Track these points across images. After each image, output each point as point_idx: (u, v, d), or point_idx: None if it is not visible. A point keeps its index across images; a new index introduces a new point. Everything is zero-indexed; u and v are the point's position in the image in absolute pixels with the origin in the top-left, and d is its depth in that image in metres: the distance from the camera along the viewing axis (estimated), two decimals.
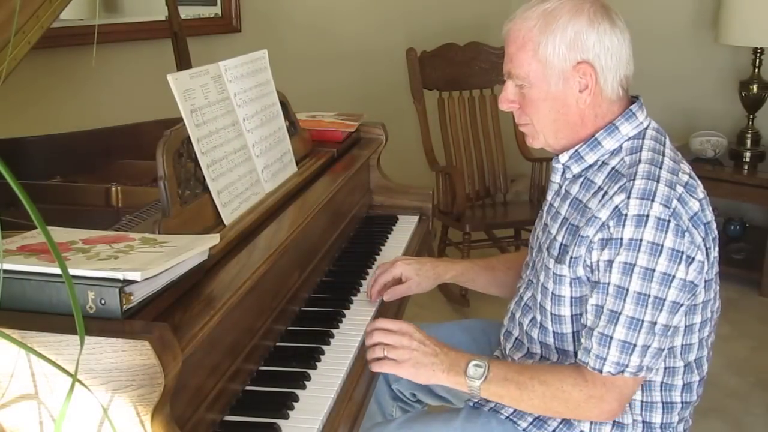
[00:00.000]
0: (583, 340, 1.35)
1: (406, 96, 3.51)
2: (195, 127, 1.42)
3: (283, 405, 1.28)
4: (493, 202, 3.59)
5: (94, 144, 1.97)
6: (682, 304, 1.30)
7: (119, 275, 1.03)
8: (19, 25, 1.52)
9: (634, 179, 1.31)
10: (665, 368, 1.40)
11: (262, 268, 1.35)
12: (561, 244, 1.39)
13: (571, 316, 1.40)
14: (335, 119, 2.17)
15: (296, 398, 1.32)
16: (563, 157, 1.43)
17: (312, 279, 1.69)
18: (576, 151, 1.41)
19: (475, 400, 1.52)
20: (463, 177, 3.44)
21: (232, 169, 1.52)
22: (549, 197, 1.50)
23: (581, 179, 1.42)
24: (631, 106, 1.41)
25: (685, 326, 1.38)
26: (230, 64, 1.62)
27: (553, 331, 1.43)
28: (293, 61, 3.31)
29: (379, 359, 1.40)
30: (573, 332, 1.41)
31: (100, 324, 1.01)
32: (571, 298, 1.39)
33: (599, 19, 1.34)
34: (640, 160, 1.34)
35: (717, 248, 1.37)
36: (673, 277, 1.27)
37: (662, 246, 1.26)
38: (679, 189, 1.30)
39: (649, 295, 1.27)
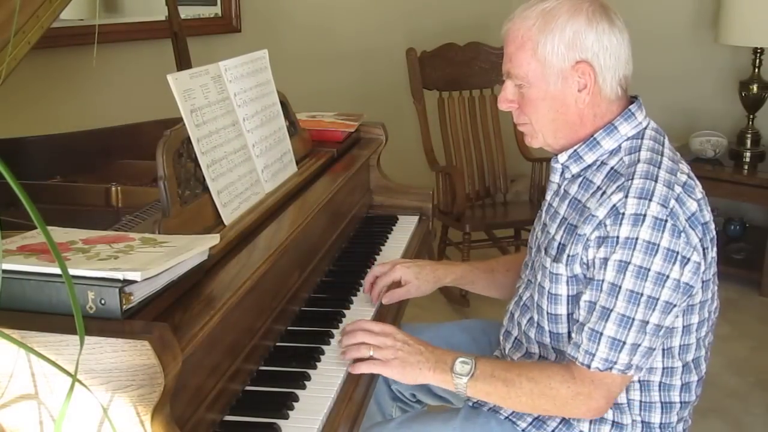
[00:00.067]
0: (573, 335, 1.35)
1: (406, 96, 3.51)
2: (195, 127, 1.42)
3: (283, 405, 1.28)
4: (493, 202, 3.59)
5: (94, 144, 1.97)
6: (675, 305, 1.30)
7: (119, 275, 1.03)
8: (19, 25, 1.52)
9: (632, 179, 1.31)
10: (663, 368, 1.40)
11: (262, 268, 1.35)
12: (559, 243, 1.40)
13: (568, 315, 1.40)
14: (335, 119, 2.17)
15: (296, 398, 1.32)
16: (562, 157, 1.44)
17: (312, 279, 1.69)
18: (575, 151, 1.41)
19: (474, 400, 1.52)
20: (463, 177, 3.44)
21: (232, 169, 1.52)
22: (548, 197, 1.50)
23: (580, 179, 1.42)
24: (630, 106, 1.41)
25: (683, 326, 1.38)
26: (230, 64, 1.62)
27: (550, 331, 1.43)
28: (293, 61, 3.31)
29: (363, 360, 1.39)
30: (569, 332, 1.41)
31: (100, 324, 1.01)
32: (568, 296, 1.39)
33: (598, 19, 1.34)
34: (638, 160, 1.34)
35: (715, 249, 1.37)
36: (668, 277, 1.27)
37: (658, 245, 1.26)
38: (677, 189, 1.31)
39: (642, 294, 1.27)
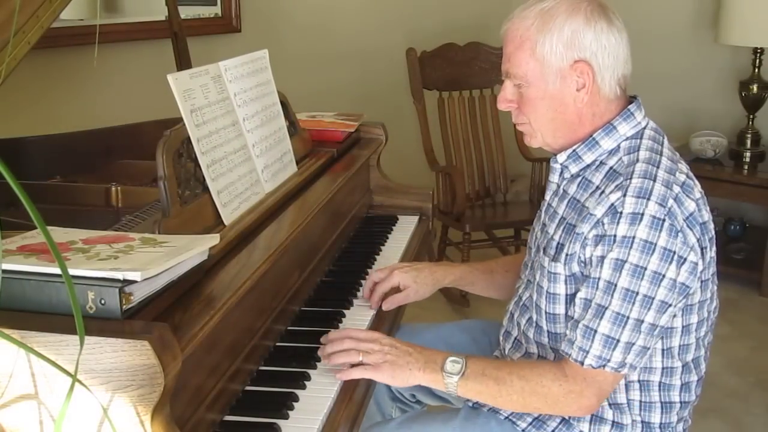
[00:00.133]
0: (567, 332, 1.35)
1: (406, 96, 3.51)
2: (195, 127, 1.42)
3: (283, 405, 1.28)
4: (493, 202, 3.59)
5: (94, 144, 1.97)
6: (670, 305, 1.30)
7: (119, 275, 1.03)
8: (19, 25, 1.52)
9: (631, 178, 1.31)
10: (663, 368, 1.40)
11: (262, 268, 1.36)
12: (558, 243, 1.40)
13: (566, 314, 1.40)
14: (335, 119, 2.17)
15: (296, 398, 1.32)
16: (561, 157, 1.44)
17: (312, 279, 1.69)
18: (574, 150, 1.41)
19: (475, 401, 1.52)
20: (463, 177, 3.44)
21: (232, 169, 1.52)
22: (547, 197, 1.50)
23: (579, 179, 1.42)
24: (629, 106, 1.41)
25: (682, 326, 1.38)
26: (230, 64, 1.62)
27: (548, 331, 1.43)
28: (293, 61, 3.31)
29: (353, 366, 1.38)
30: None
31: (100, 324, 1.01)
32: (566, 296, 1.39)
33: (596, 18, 1.34)
34: (637, 160, 1.34)
35: (714, 248, 1.37)
36: (664, 276, 1.27)
37: (655, 245, 1.27)
38: (676, 189, 1.31)
39: (637, 293, 1.28)
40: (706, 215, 1.35)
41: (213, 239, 1.25)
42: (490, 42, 3.55)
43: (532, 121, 1.42)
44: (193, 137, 1.41)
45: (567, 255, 1.36)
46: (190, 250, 1.16)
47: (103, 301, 1.02)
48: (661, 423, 1.43)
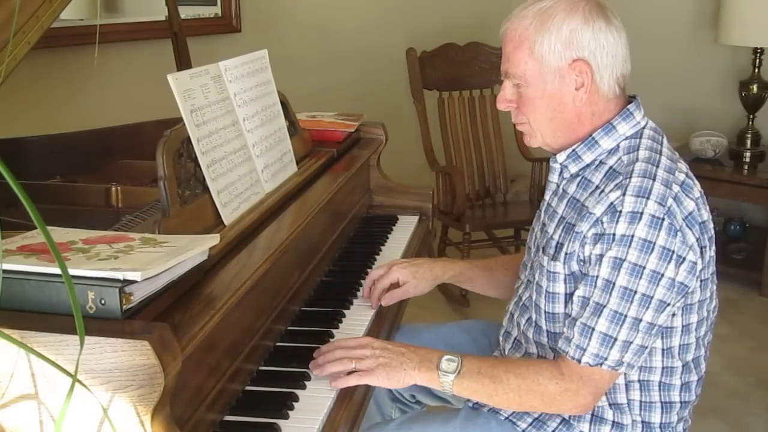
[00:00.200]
0: (565, 330, 1.35)
1: (406, 96, 3.51)
2: (195, 127, 1.42)
3: (283, 405, 1.28)
4: (493, 202, 3.59)
5: (94, 144, 1.97)
6: (669, 304, 1.30)
7: (119, 275, 1.03)
8: (19, 25, 1.52)
9: (630, 177, 1.31)
10: (663, 368, 1.40)
11: (262, 268, 1.36)
12: (557, 242, 1.40)
13: (565, 314, 1.40)
14: (335, 119, 2.17)
15: (296, 398, 1.32)
16: (561, 157, 1.44)
17: (312, 279, 1.69)
18: (573, 150, 1.42)
19: (475, 401, 1.52)
20: (463, 177, 3.44)
21: (232, 169, 1.52)
22: (547, 197, 1.50)
23: (579, 178, 1.42)
24: (629, 106, 1.42)
25: (682, 326, 1.38)
26: (230, 64, 1.62)
27: (547, 330, 1.43)
28: (293, 61, 3.31)
29: (348, 374, 1.37)
30: None
31: (100, 324, 1.01)
32: (565, 295, 1.39)
33: (594, 17, 1.34)
34: (637, 159, 1.35)
35: (713, 248, 1.38)
36: (662, 275, 1.28)
37: (654, 244, 1.27)
38: (675, 188, 1.31)
39: (635, 291, 1.28)
40: (706, 214, 1.35)
41: (213, 239, 1.25)
42: (490, 42, 3.55)
43: (531, 121, 1.42)
44: (193, 137, 1.41)
45: (566, 254, 1.36)
46: (190, 250, 1.16)
47: (103, 301, 1.02)
48: (661, 423, 1.43)
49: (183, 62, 2.18)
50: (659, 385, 1.41)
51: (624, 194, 1.29)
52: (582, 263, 1.35)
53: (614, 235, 1.28)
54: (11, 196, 1.07)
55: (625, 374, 1.39)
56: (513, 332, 1.55)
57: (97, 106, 2.62)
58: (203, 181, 1.43)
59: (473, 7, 4.20)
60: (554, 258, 1.39)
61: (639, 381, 1.40)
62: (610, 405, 1.42)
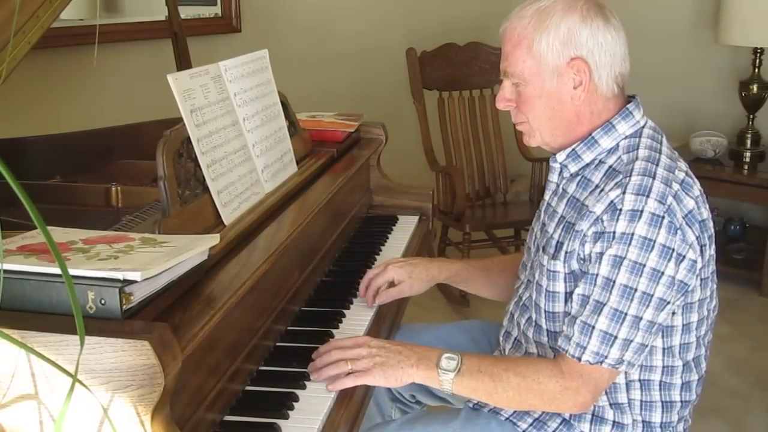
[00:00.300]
0: (564, 328, 1.35)
1: (406, 96, 3.51)
2: (195, 127, 1.42)
3: (283, 405, 1.28)
4: (493, 202, 3.59)
5: (94, 144, 1.97)
6: (669, 302, 1.30)
7: (119, 275, 1.03)
8: (19, 25, 1.52)
9: (630, 175, 1.31)
10: (663, 367, 1.40)
11: (262, 268, 1.36)
12: (557, 241, 1.40)
13: (565, 313, 1.40)
14: (335, 119, 2.17)
15: (296, 398, 1.32)
16: (560, 156, 1.44)
17: (312, 279, 1.69)
18: (573, 149, 1.42)
19: (475, 401, 1.52)
20: (463, 177, 3.44)
21: (232, 169, 1.52)
22: (546, 197, 1.50)
23: (578, 178, 1.42)
24: (628, 105, 1.42)
25: (683, 325, 1.38)
26: (230, 64, 1.62)
27: (547, 330, 1.44)
28: (293, 61, 3.31)
29: (347, 375, 1.37)
30: None
31: (100, 324, 1.01)
32: (565, 294, 1.39)
33: (592, 16, 1.35)
34: (637, 158, 1.35)
35: (713, 246, 1.38)
36: (662, 273, 1.28)
37: (654, 242, 1.27)
38: (675, 186, 1.31)
39: (636, 290, 1.28)
40: (705, 213, 1.35)
41: (213, 239, 1.25)
42: (490, 42, 3.55)
43: (530, 120, 1.42)
44: (193, 137, 1.41)
45: (566, 253, 1.36)
46: (190, 250, 1.16)
47: (103, 301, 1.02)
48: (661, 422, 1.43)
49: (183, 62, 2.18)
50: (660, 385, 1.41)
51: (624, 192, 1.29)
52: (582, 262, 1.35)
53: (614, 233, 1.28)
54: (11, 196, 1.07)
55: (625, 374, 1.39)
56: (513, 332, 1.55)
57: (97, 106, 2.62)
58: (203, 181, 1.43)
59: (473, 7, 4.20)
60: (554, 257, 1.39)
61: (640, 380, 1.40)
62: (610, 405, 1.42)
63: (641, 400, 1.41)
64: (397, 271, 1.68)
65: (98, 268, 1.05)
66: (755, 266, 3.53)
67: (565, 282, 1.38)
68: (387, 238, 2.04)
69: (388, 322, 1.67)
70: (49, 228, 0.93)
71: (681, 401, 1.43)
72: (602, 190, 1.34)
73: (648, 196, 1.28)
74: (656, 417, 1.42)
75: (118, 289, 1.02)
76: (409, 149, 3.71)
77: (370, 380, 1.36)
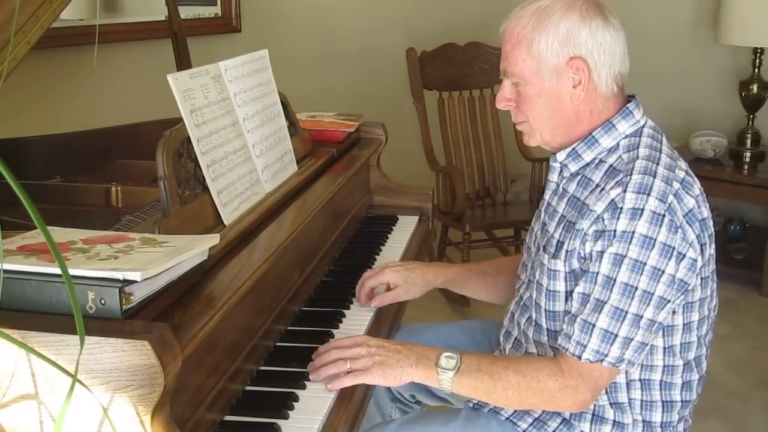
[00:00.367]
0: (564, 326, 1.35)
1: (406, 96, 3.51)
2: (195, 127, 1.42)
3: (283, 405, 1.28)
4: (493, 202, 3.59)
5: (94, 144, 1.97)
6: (669, 301, 1.30)
7: (119, 275, 1.03)
8: (19, 25, 1.52)
9: (630, 174, 1.32)
10: (664, 366, 1.40)
11: (262, 268, 1.36)
12: (558, 240, 1.40)
13: (565, 311, 1.40)
14: (335, 119, 2.17)
15: (296, 398, 1.32)
16: (561, 156, 1.44)
17: (312, 279, 1.69)
18: (573, 149, 1.42)
19: (475, 401, 1.52)
20: (463, 177, 3.44)
21: (232, 169, 1.52)
22: (546, 197, 1.50)
23: (579, 177, 1.42)
24: (628, 105, 1.42)
25: (683, 324, 1.38)
26: (230, 64, 1.62)
27: (548, 329, 1.44)
28: (293, 61, 3.31)
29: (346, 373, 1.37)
30: None
31: (100, 324, 1.01)
32: (566, 293, 1.39)
33: (591, 16, 1.35)
34: (637, 157, 1.35)
35: (713, 245, 1.38)
36: (663, 272, 1.28)
37: (655, 240, 1.27)
38: (676, 185, 1.31)
39: (636, 288, 1.28)
40: (706, 212, 1.36)
41: (213, 239, 1.25)
42: (490, 42, 3.55)
43: (530, 119, 1.42)
44: (193, 137, 1.41)
45: (567, 252, 1.36)
46: (190, 250, 1.16)
47: (103, 301, 1.02)
48: (662, 422, 1.43)
49: (183, 62, 2.18)
50: (660, 384, 1.41)
51: (625, 191, 1.29)
52: (583, 260, 1.35)
53: (615, 231, 1.29)
54: (11, 196, 1.07)
55: (626, 373, 1.39)
56: (514, 332, 1.55)
57: (97, 106, 2.62)
58: (203, 181, 1.43)
59: (473, 7, 4.20)
60: (555, 256, 1.39)
61: (640, 380, 1.40)
62: (611, 404, 1.42)
63: (642, 400, 1.41)
64: (393, 275, 1.68)
65: (98, 268, 1.05)
66: (755, 266, 3.53)
67: (566, 281, 1.38)
68: (387, 238, 2.04)
69: (388, 322, 1.67)
70: (49, 228, 0.93)
71: (681, 401, 1.43)
72: (603, 189, 1.34)
73: (649, 195, 1.28)
74: (657, 416, 1.42)
75: (118, 289, 1.02)
76: (409, 149, 3.71)
77: (369, 379, 1.36)
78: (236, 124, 1.58)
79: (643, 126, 1.42)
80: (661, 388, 1.41)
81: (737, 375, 2.87)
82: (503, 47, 1.42)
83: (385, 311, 1.68)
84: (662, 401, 1.42)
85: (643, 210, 1.28)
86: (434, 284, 1.73)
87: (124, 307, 1.02)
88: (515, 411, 1.47)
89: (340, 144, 2.06)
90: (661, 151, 1.37)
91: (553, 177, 1.48)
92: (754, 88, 3.60)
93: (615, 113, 1.41)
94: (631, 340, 1.30)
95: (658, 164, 1.33)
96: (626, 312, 1.29)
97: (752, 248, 3.65)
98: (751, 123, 3.68)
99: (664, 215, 1.28)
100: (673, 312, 1.36)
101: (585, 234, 1.33)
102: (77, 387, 0.95)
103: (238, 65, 1.65)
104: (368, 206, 2.21)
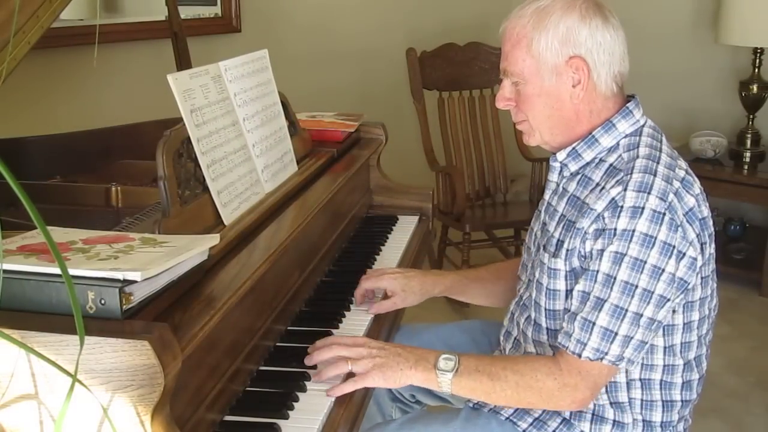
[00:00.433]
0: (564, 325, 1.35)
1: (406, 96, 3.51)
2: (195, 127, 1.42)
3: (283, 405, 1.28)
4: (493, 202, 3.59)
5: (94, 144, 1.97)
6: (669, 299, 1.31)
7: (119, 275, 1.03)
8: (19, 25, 1.52)
9: (631, 173, 1.32)
10: (665, 366, 1.40)
11: (262, 268, 1.35)
12: (558, 239, 1.40)
13: (565, 309, 1.40)
14: (335, 119, 2.17)
15: (296, 398, 1.32)
16: (561, 155, 1.44)
17: (312, 279, 1.69)
18: (573, 148, 1.42)
19: (475, 401, 1.53)
20: (463, 177, 3.44)
21: (232, 169, 1.52)
22: (546, 196, 1.50)
23: (579, 176, 1.42)
24: (628, 104, 1.42)
25: (684, 324, 1.38)
26: (230, 64, 1.62)
27: (547, 328, 1.44)
28: (293, 61, 3.31)
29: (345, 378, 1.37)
30: None
31: (100, 324, 1.01)
32: (566, 291, 1.39)
33: (591, 15, 1.36)
34: (637, 156, 1.35)
35: (713, 245, 1.38)
36: (663, 270, 1.28)
37: (655, 238, 1.27)
38: (676, 184, 1.32)
39: (636, 286, 1.28)
40: (706, 211, 1.36)
41: (213, 239, 1.25)
42: (490, 42, 3.55)
43: (530, 119, 1.43)
44: (193, 137, 1.41)
45: (567, 250, 1.36)
46: (190, 250, 1.16)
47: (103, 301, 1.02)
48: (662, 422, 1.43)
49: (183, 62, 2.18)
50: (660, 384, 1.41)
51: (625, 189, 1.30)
52: (583, 259, 1.35)
53: (615, 229, 1.29)
54: (11, 196, 1.07)
55: (626, 373, 1.39)
56: (513, 332, 1.55)
57: (97, 106, 2.62)
58: (203, 181, 1.43)
59: (473, 7, 4.20)
60: (555, 255, 1.39)
61: (640, 379, 1.40)
62: (611, 404, 1.42)
63: (642, 399, 1.42)
64: (391, 282, 1.68)
65: (98, 268, 1.05)
66: (755, 266, 3.53)
67: (566, 280, 1.38)
68: (387, 238, 2.04)
69: (388, 323, 1.67)
70: (49, 228, 0.93)
71: (681, 400, 1.43)
72: (603, 187, 1.34)
73: (649, 193, 1.28)
74: (657, 416, 1.42)
75: (118, 289, 1.02)
76: (409, 149, 3.71)
77: (369, 382, 1.36)
78: (236, 124, 1.58)
79: (643, 125, 1.42)
80: (661, 388, 1.41)
81: (737, 375, 2.87)
82: (503, 47, 1.42)
83: (383, 312, 1.68)
84: (662, 401, 1.42)
85: (643, 208, 1.28)
86: (432, 293, 1.72)
87: (124, 307, 1.02)
88: (515, 411, 1.47)
89: (340, 144, 2.06)
90: (661, 150, 1.37)
91: (553, 177, 1.49)
92: (754, 88, 3.60)
93: (615, 113, 1.41)
94: (631, 338, 1.30)
95: (658, 163, 1.33)
96: (626, 310, 1.29)
97: (752, 248, 3.65)
98: (751, 123, 3.69)
99: (664, 214, 1.28)
100: (674, 311, 1.36)
101: (585, 232, 1.33)
102: (77, 387, 0.95)
103: (238, 65, 1.65)
104: (368, 206, 2.21)
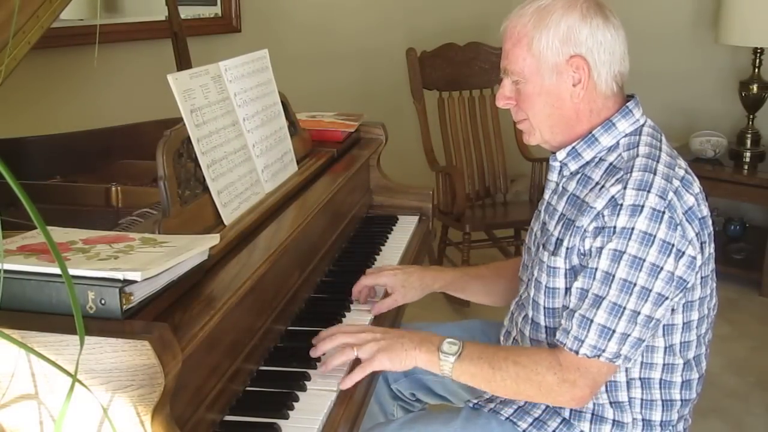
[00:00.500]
0: (563, 321, 1.35)
1: (406, 96, 3.51)
2: (195, 127, 1.42)
3: (283, 405, 1.28)
4: (493, 202, 3.59)
5: (94, 144, 1.97)
6: (667, 298, 1.31)
7: (119, 275, 1.03)
8: (19, 25, 1.52)
9: (631, 171, 1.32)
10: (664, 365, 1.40)
11: (262, 268, 1.36)
12: (557, 238, 1.40)
13: (563, 306, 1.40)
14: (335, 119, 2.17)
15: (296, 398, 1.32)
16: (560, 154, 1.44)
17: (312, 279, 1.69)
18: (573, 147, 1.42)
19: (475, 401, 1.53)
20: (463, 177, 3.44)
21: (232, 169, 1.52)
22: (546, 196, 1.50)
23: (578, 176, 1.43)
24: (628, 104, 1.43)
25: (683, 323, 1.38)
26: (230, 64, 1.62)
27: (546, 326, 1.44)
28: (293, 61, 3.31)
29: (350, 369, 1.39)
30: None
31: (100, 324, 1.01)
32: (566, 290, 1.39)
33: (592, 15, 1.36)
34: (637, 155, 1.36)
35: (713, 244, 1.38)
36: (662, 269, 1.28)
37: (654, 236, 1.27)
38: (676, 182, 1.32)
39: (635, 284, 1.28)
40: (705, 210, 1.36)
41: (213, 239, 1.25)
42: (490, 42, 3.55)
43: (530, 118, 1.43)
44: (193, 137, 1.41)
45: (567, 249, 1.36)
46: (190, 250, 1.16)
47: (103, 301, 1.02)
48: (662, 421, 1.43)
49: (183, 62, 2.18)
50: (660, 383, 1.41)
51: (625, 188, 1.30)
52: (582, 257, 1.35)
53: (615, 227, 1.29)
54: (11, 196, 1.07)
55: (626, 372, 1.39)
56: (512, 331, 1.55)
57: (96, 106, 2.62)
58: (203, 181, 1.43)
59: (473, 7, 4.20)
60: (554, 253, 1.39)
61: (640, 378, 1.41)
62: (610, 403, 1.42)
63: (641, 399, 1.42)
64: (390, 278, 1.68)
65: (98, 268, 1.05)
66: (755, 266, 3.53)
67: (566, 278, 1.38)
68: (387, 238, 2.04)
69: (388, 322, 1.67)
70: (49, 228, 0.93)
71: (681, 400, 1.43)
72: (603, 186, 1.35)
73: (649, 192, 1.29)
74: (656, 415, 1.42)
75: (118, 289, 1.02)
76: (409, 149, 3.71)
77: (376, 365, 1.37)
78: (236, 124, 1.58)
79: (642, 125, 1.42)
80: (660, 387, 1.41)
81: (737, 375, 2.88)
82: (504, 45, 1.42)
83: (385, 311, 1.68)
84: (662, 400, 1.42)
85: (643, 207, 1.28)
86: (432, 288, 1.73)
87: (124, 307, 1.02)
88: (515, 411, 1.47)
89: (340, 144, 2.06)
90: (660, 150, 1.37)
91: (553, 176, 1.49)
92: (754, 88, 3.61)
93: (615, 112, 1.41)
94: (628, 335, 1.30)
95: (658, 162, 1.33)
96: (624, 308, 1.29)
97: (752, 248, 3.66)
98: (751, 123, 3.69)
99: (663, 212, 1.28)
100: (673, 310, 1.36)
101: (585, 231, 1.33)
102: (77, 387, 0.95)
103: (239, 65, 1.65)
104: (368, 206, 2.21)
